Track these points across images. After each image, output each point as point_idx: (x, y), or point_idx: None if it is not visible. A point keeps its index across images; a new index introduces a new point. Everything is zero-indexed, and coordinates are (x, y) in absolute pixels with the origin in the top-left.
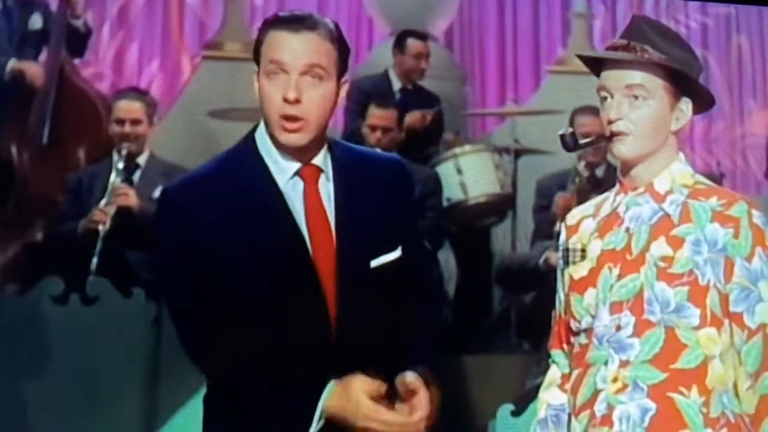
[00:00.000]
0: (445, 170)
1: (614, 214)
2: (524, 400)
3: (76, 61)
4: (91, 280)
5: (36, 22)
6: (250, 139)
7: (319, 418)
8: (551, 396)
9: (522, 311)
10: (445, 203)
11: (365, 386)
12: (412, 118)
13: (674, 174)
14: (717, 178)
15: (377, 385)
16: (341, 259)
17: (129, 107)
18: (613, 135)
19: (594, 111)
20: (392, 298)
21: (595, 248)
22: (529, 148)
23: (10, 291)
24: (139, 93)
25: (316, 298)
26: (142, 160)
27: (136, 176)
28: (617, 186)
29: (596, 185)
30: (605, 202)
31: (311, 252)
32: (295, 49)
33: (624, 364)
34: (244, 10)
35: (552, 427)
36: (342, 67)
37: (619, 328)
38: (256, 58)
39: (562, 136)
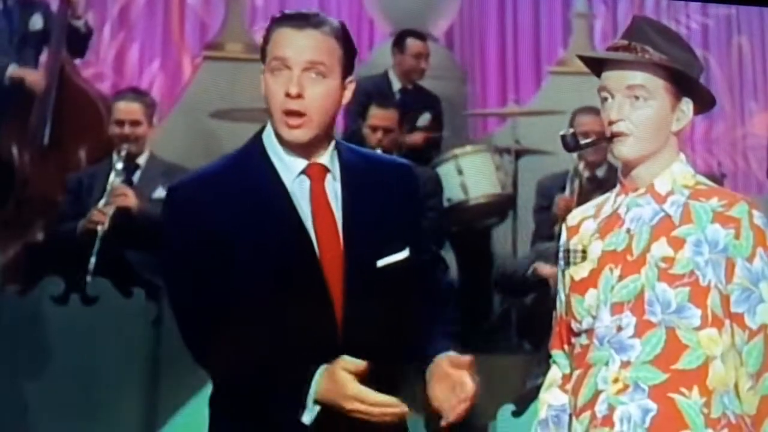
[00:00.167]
0: (446, 171)
1: (615, 215)
2: (525, 400)
3: (77, 61)
4: (91, 280)
5: (36, 22)
6: (257, 139)
7: (312, 405)
8: (552, 397)
9: (522, 312)
10: (445, 204)
11: (348, 366)
12: (413, 138)
13: (675, 175)
14: (718, 179)
15: (358, 365)
16: (348, 259)
17: (128, 108)
18: (614, 135)
19: (595, 111)
20: (399, 298)
21: (595, 249)
22: (529, 148)
23: (10, 291)
24: (138, 94)
25: (322, 298)
26: (141, 160)
27: (136, 177)
28: (618, 187)
29: (597, 186)
30: (606, 202)
31: (317, 251)
32: (298, 45)
33: (625, 364)
34: (245, 11)
35: (553, 428)
36: (347, 66)
37: (620, 328)
38: (263, 55)
39: (563, 137)
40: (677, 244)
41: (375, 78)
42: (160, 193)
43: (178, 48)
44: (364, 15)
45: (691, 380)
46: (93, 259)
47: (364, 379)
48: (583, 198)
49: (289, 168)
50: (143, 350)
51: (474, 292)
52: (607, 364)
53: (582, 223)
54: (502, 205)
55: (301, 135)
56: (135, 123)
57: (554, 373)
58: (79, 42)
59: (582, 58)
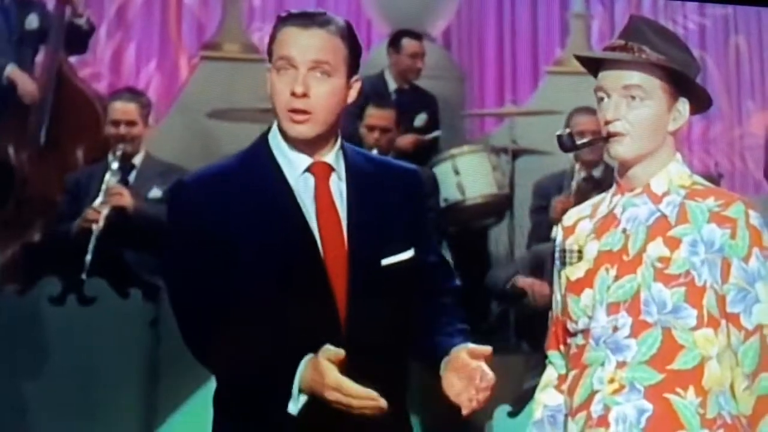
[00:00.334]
0: (443, 171)
1: (611, 215)
2: (521, 401)
3: (74, 60)
4: (87, 281)
5: (33, 21)
6: (263, 138)
7: (298, 394)
8: (548, 397)
9: (521, 312)
10: (442, 204)
11: (330, 355)
12: (405, 141)
13: (671, 175)
14: (715, 179)
15: (338, 353)
16: (352, 257)
17: (124, 108)
18: (610, 135)
19: (591, 111)
20: (403, 298)
21: (591, 249)
22: (527, 148)
23: (8, 291)
24: (134, 94)
25: (325, 296)
26: (137, 160)
27: (132, 177)
28: (614, 187)
29: (594, 186)
30: (602, 203)
31: (321, 249)
32: (303, 44)
33: (621, 365)
34: (243, 11)
35: (548, 428)
36: (353, 65)
37: (616, 329)
38: (269, 54)
39: (560, 137)
40: (673, 244)
41: (371, 78)
42: (156, 193)
43: (175, 48)
44: (362, 15)
45: (687, 380)
46: (88, 258)
47: (368, 378)
48: (579, 198)
49: (294, 165)
50: (141, 351)
51: (471, 292)
52: (602, 364)
53: (578, 224)
54: (499, 205)
55: (305, 130)
56: (131, 123)
57: (550, 374)
58: (80, 39)
59: (579, 59)
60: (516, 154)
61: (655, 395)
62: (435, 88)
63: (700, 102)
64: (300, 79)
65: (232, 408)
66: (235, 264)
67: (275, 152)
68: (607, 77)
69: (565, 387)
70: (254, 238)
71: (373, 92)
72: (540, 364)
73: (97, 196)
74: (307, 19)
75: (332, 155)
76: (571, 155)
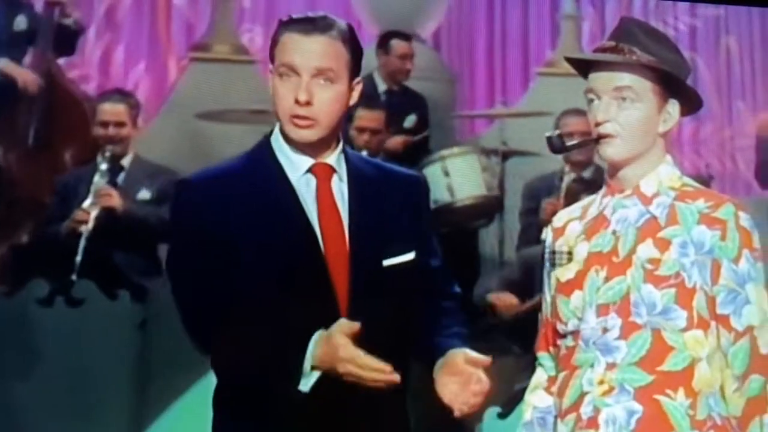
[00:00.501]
0: (433, 172)
1: (601, 217)
2: (511, 402)
3: (63, 62)
4: (76, 282)
5: (21, 23)
6: (265, 140)
7: (310, 371)
8: (537, 398)
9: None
10: (432, 205)
11: (342, 328)
12: (395, 142)
13: (661, 176)
14: (705, 181)
15: (352, 326)
16: (353, 257)
17: (113, 110)
18: (600, 137)
19: (580, 113)
20: (404, 299)
21: (581, 251)
22: (517, 150)
23: None
24: (123, 95)
25: (327, 295)
26: (126, 162)
27: (120, 178)
28: (604, 188)
29: (584, 187)
30: (592, 204)
31: (323, 248)
32: (306, 51)
33: (610, 366)
34: (233, 12)
35: (538, 430)
36: (355, 68)
37: (605, 330)
38: (271, 58)
39: (549, 138)
40: (663, 245)
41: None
42: (145, 194)
43: (164, 49)
44: (352, 16)
45: (677, 382)
46: (78, 259)
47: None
48: (569, 199)
49: (296, 166)
50: (129, 352)
51: (461, 294)
52: (592, 365)
53: (568, 225)
54: (489, 207)
55: (308, 135)
56: (119, 124)
57: (540, 375)
58: (69, 40)
59: (569, 60)
60: (506, 155)
61: (644, 397)
62: (425, 89)
63: (691, 103)
64: (304, 87)
65: (234, 404)
66: (237, 262)
67: (277, 153)
68: (598, 79)
69: (554, 388)
70: (256, 237)
71: (363, 94)
72: (530, 366)
73: (85, 197)
74: (309, 25)
75: (334, 157)
76: (561, 157)
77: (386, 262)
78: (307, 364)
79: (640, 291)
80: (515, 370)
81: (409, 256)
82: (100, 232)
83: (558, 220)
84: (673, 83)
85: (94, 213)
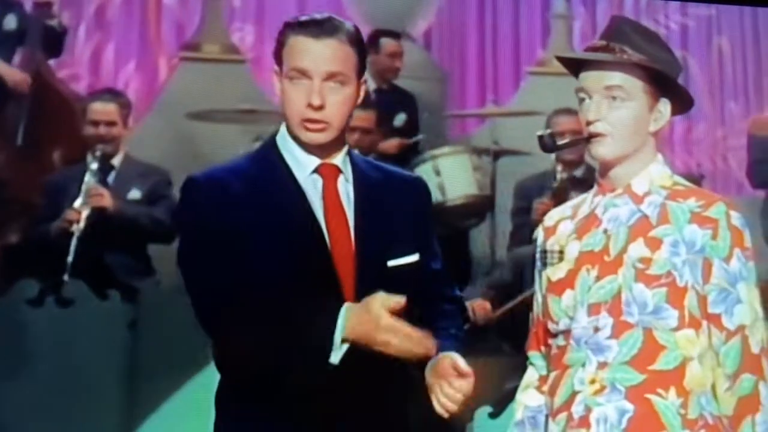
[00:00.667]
0: (424, 172)
1: (592, 216)
2: (502, 402)
3: (53, 61)
4: (67, 282)
5: (10, 22)
6: (271, 140)
7: (340, 344)
8: (528, 398)
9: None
10: None
11: (385, 302)
12: (389, 144)
13: (653, 175)
14: (697, 180)
15: (397, 300)
16: (359, 256)
17: (104, 109)
18: (591, 136)
19: (571, 112)
20: (408, 299)
21: (573, 250)
22: (508, 149)
23: None
24: (114, 94)
25: (333, 294)
26: (116, 161)
27: (111, 178)
28: (595, 187)
29: (575, 186)
30: (583, 203)
31: (329, 247)
32: (316, 55)
33: (602, 365)
34: (223, 12)
35: (529, 429)
36: (361, 69)
37: (597, 329)
38: (277, 59)
39: (541, 138)
40: (654, 244)
41: None
42: (135, 194)
43: (154, 48)
44: (343, 15)
45: (668, 381)
46: (70, 259)
47: (374, 373)
48: (561, 199)
49: (303, 166)
50: (119, 353)
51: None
52: (583, 365)
53: (559, 224)
54: (481, 206)
55: (321, 138)
56: (110, 124)
57: (531, 375)
58: (54, 41)
59: (560, 60)
60: (497, 154)
61: (636, 396)
62: (416, 88)
63: (682, 102)
64: (316, 90)
65: (240, 400)
66: (245, 260)
67: (284, 153)
68: (589, 78)
69: (546, 388)
70: (264, 236)
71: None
72: (521, 365)
73: (76, 197)
74: (317, 28)
75: (340, 158)
76: (552, 156)
77: (391, 263)
78: (338, 336)
79: (632, 290)
80: (506, 369)
81: (413, 257)
82: (91, 231)
83: (549, 219)
84: (664, 82)
85: (85, 213)
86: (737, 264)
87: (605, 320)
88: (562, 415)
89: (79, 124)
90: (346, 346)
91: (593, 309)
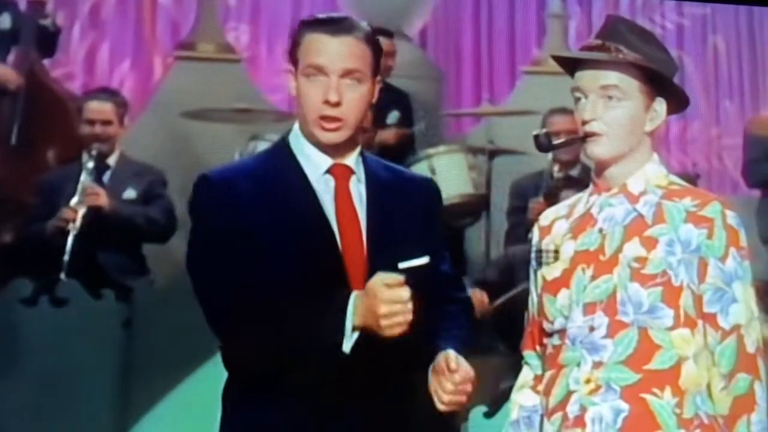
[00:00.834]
0: (419, 171)
1: (588, 215)
2: (497, 401)
3: (47, 61)
4: (62, 281)
5: (4, 21)
6: (283, 140)
7: (351, 332)
8: (524, 397)
9: (498, 313)
10: None
11: (384, 279)
12: (385, 135)
13: (648, 175)
14: (692, 179)
15: (395, 277)
16: (370, 257)
17: (100, 108)
18: (587, 135)
19: (567, 112)
20: (417, 302)
21: (568, 249)
22: (504, 148)
23: None
24: (110, 93)
25: (344, 294)
26: (112, 160)
27: (107, 177)
28: (591, 187)
29: (570, 186)
30: (579, 202)
31: (340, 248)
32: (333, 52)
33: (597, 365)
34: (218, 11)
35: (524, 429)
36: (376, 67)
37: (592, 329)
38: (292, 58)
39: (536, 137)
40: (650, 244)
41: None
42: (131, 193)
43: (149, 47)
44: None
45: (664, 380)
46: (66, 258)
47: (381, 374)
48: (556, 198)
49: (315, 166)
50: (113, 352)
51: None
52: (579, 364)
53: (554, 224)
54: (476, 206)
55: (336, 137)
56: (106, 122)
57: (526, 374)
58: (48, 41)
59: (556, 59)
60: (493, 154)
61: (631, 395)
62: (411, 87)
63: (678, 102)
64: (334, 86)
65: (250, 394)
66: (256, 259)
67: (296, 153)
68: (584, 77)
69: (541, 387)
70: (275, 235)
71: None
72: (516, 365)
73: (71, 196)
74: (334, 26)
75: (353, 158)
76: (548, 155)
77: (401, 265)
78: (349, 324)
79: (627, 290)
80: (501, 369)
81: (424, 260)
82: (86, 230)
83: (544, 218)
84: (660, 81)
85: (81, 212)
86: (733, 263)
87: (600, 320)
88: (557, 415)
89: (73, 123)
90: (356, 334)
91: (588, 308)
